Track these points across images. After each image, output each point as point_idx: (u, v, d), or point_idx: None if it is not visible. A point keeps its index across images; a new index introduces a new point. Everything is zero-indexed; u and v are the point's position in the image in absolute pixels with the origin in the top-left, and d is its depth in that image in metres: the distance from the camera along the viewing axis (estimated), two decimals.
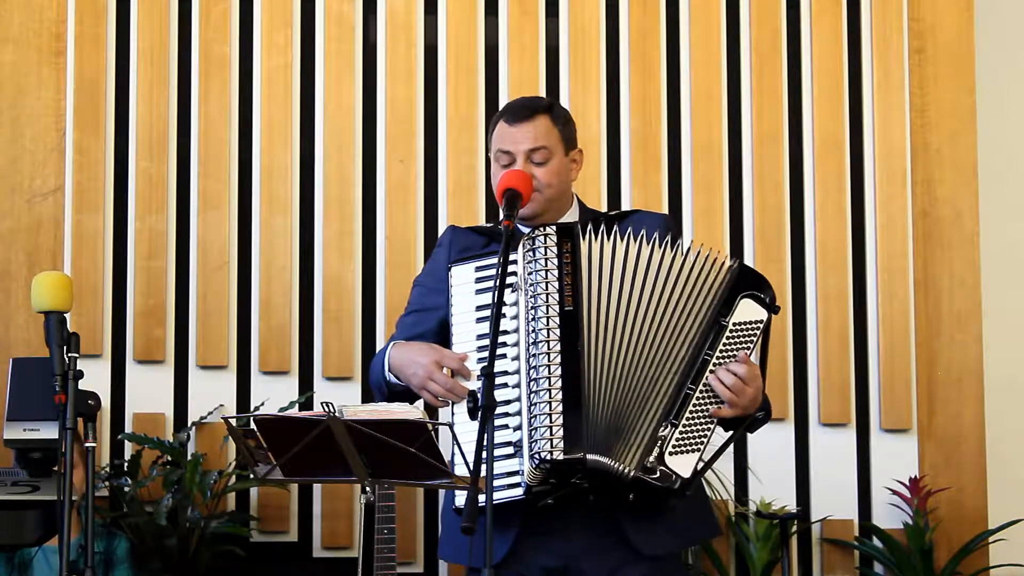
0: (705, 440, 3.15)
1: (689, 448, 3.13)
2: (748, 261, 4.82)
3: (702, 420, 3.15)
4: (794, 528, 4.72)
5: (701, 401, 3.16)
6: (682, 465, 3.12)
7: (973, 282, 4.90)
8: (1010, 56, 5.11)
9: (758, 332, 3.20)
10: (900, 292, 4.88)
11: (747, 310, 3.20)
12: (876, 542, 4.75)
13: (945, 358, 4.88)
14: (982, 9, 5.01)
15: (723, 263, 3.22)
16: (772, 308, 3.22)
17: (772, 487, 4.68)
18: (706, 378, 3.15)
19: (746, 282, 3.22)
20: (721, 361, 3.16)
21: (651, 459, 3.10)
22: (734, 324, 3.18)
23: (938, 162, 4.94)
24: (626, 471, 3.08)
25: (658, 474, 3.09)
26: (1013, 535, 4.72)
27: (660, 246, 3.20)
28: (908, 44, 4.96)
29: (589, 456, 3.04)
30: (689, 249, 3.22)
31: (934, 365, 4.87)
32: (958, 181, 4.93)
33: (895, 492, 4.73)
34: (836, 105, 4.94)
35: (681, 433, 3.13)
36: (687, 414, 3.14)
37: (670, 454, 3.11)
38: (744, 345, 3.18)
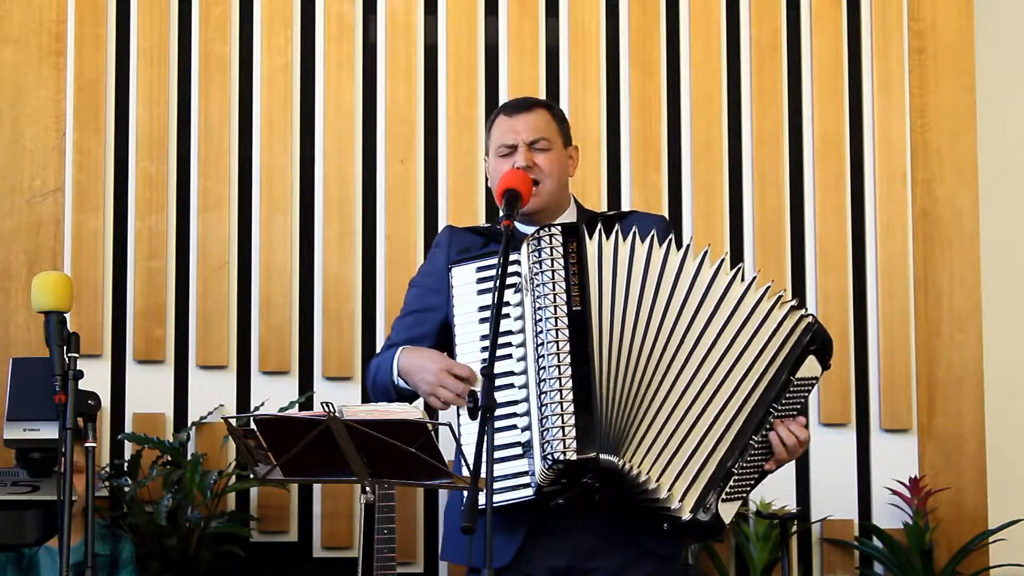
0: (749, 489, 3.19)
1: (737, 496, 3.17)
2: (748, 261, 4.83)
3: (754, 467, 3.18)
4: (794, 528, 4.72)
5: (756, 451, 3.17)
6: (727, 511, 3.15)
7: (973, 282, 4.89)
8: (1010, 56, 5.11)
9: (812, 389, 3.22)
10: (900, 292, 4.87)
11: (810, 366, 3.21)
12: (876, 542, 4.75)
13: (945, 358, 4.88)
14: (982, 9, 5.01)
15: (799, 313, 3.21)
16: (828, 366, 3.24)
17: (772, 487, 4.65)
18: (765, 431, 3.16)
19: (817, 339, 3.21)
20: (781, 416, 3.18)
21: (708, 504, 3.12)
22: (797, 379, 3.19)
23: (938, 162, 4.94)
24: (680, 508, 3.10)
25: (709, 522, 3.12)
26: (1013, 535, 4.72)
27: (684, 253, 3.20)
28: (908, 44, 4.96)
29: (602, 456, 3.04)
30: (739, 273, 3.21)
31: (934, 365, 4.87)
32: (958, 181, 4.93)
33: (895, 492, 4.73)
34: (836, 105, 4.94)
35: (736, 480, 3.15)
36: (744, 461, 3.16)
37: (722, 500, 3.14)
38: (799, 401, 3.20)
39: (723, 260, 3.22)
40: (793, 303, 3.22)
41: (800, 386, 3.20)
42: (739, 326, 3.18)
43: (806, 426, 3.22)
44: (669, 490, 3.11)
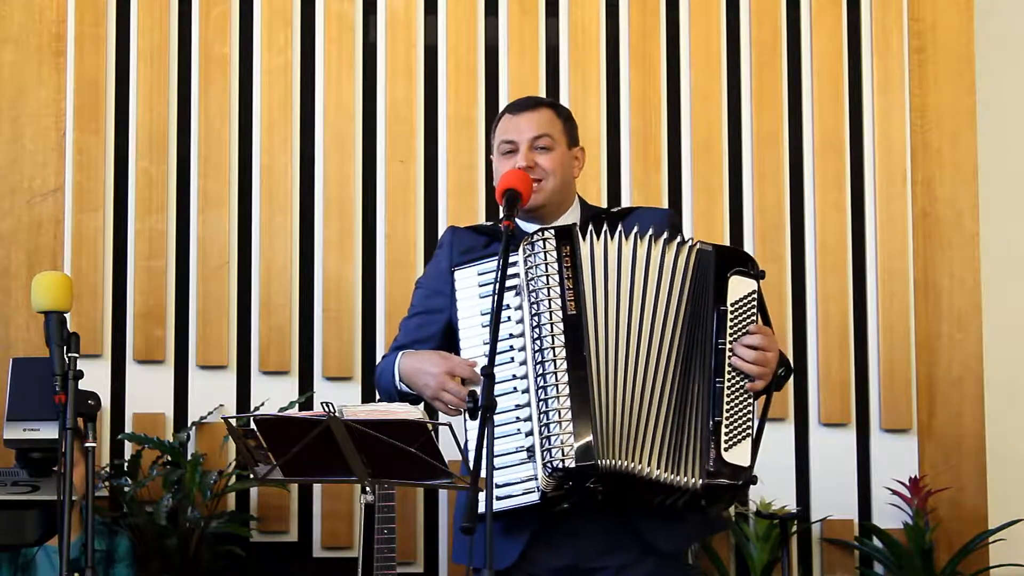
0: (750, 421, 3.17)
1: (740, 436, 3.15)
2: None
3: (741, 403, 3.16)
4: (794, 528, 4.72)
5: (732, 385, 3.16)
6: (740, 456, 3.14)
7: (973, 282, 4.89)
8: (1010, 56, 5.11)
9: (755, 303, 3.22)
10: (900, 292, 4.88)
11: (738, 287, 3.21)
12: (876, 542, 4.75)
13: (945, 358, 4.88)
14: (982, 9, 5.01)
15: (694, 248, 3.21)
16: (758, 276, 3.23)
17: (772, 487, 4.66)
18: (729, 363, 3.16)
19: (727, 260, 3.23)
20: (734, 343, 3.18)
21: (711, 462, 3.11)
22: (731, 304, 3.19)
23: (938, 162, 4.94)
24: (691, 482, 3.10)
25: (726, 474, 3.11)
26: (1013, 535, 4.72)
27: (654, 242, 3.20)
28: (908, 44, 4.96)
29: (602, 461, 3.04)
30: (665, 240, 3.20)
31: (934, 365, 4.87)
32: (958, 181, 4.93)
33: (895, 492, 4.73)
34: (836, 105, 4.94)
35: (728, 425, 3.14)
36: (726, 405, 3.15)
37: (726, 450, 3.12)
38: (748, 320, 3.20)
39: (690, 242, 3.23)
40: (687, 241, 3.21)
41: (739, 308, 3.20)
42: (684, 293, 3.18)
43: (758, 331, 3.19)
44: (674, 473, 3.10)
